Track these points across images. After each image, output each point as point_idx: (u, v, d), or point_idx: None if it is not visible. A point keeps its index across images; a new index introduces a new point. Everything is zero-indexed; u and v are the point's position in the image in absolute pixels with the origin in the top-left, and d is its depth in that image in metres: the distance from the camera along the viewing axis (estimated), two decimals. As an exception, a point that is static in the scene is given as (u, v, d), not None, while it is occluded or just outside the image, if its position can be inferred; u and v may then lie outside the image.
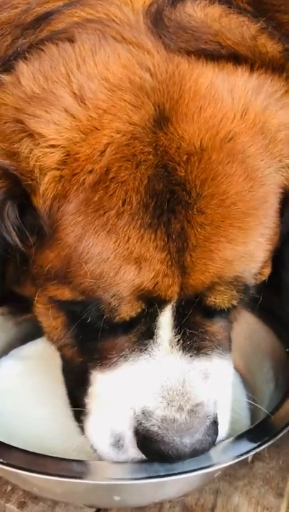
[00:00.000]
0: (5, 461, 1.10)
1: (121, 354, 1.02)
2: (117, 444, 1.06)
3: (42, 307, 1.08)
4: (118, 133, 0.90)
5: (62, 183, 0.92)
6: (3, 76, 0.96)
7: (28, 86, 0.94)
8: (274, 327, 1.32)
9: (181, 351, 1.01)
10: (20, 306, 1.17)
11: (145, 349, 1.01)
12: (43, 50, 0.95)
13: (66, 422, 1.26)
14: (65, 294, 0.98)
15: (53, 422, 1.29)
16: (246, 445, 1.10)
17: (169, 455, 1.01)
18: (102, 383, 1.05)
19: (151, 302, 0.96)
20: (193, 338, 1.01)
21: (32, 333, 1.42)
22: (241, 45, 0.94)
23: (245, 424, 1.20)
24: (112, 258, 0.92)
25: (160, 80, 0.91)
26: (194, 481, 1.13)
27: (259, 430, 1.13)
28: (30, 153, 0.92)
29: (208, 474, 1.10)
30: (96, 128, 0.91)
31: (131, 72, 0.91)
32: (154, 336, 1.01)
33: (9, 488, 1.20)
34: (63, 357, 1.14)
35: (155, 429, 1.00)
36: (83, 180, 0.91)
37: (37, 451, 1.12)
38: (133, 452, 1.05)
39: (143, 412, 1.01)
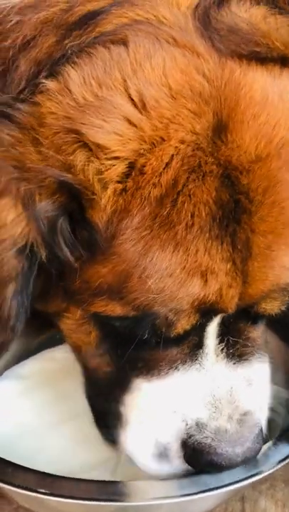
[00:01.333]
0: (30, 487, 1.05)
1: (172, 365, 1.00)
2: (161, 455, 1.04)
3: (73, 323, 1.03)
4: (183, 143, 0.87)
5: (125, 197, 0.87)
6: (48, 82, 0.89)
7: (80, 93, 0.87)
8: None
9: (225, 359, 1.01)
10: (38, 323, 1.11)
11: (195, 359, 1.00)
12: (92, 53, 0.89)
13: (76, 440, 1.23)
14: (116, 309, 0.94)
15: (62, 441, 1.26)
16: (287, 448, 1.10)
17: (221, 465, 1.00)
18: (148, 392, 1.02)
19: (208, 314, 0.94)
20: (236, 346, 1.01)
21: (22, 352, 1.39)
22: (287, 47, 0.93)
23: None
24: (179, 272, 0.88)
25: (216, 86, 0.88)
26: (235, 491, 1.12)
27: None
28: (89, 165, 0.87)
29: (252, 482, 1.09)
30: (162, 138, 0.86)
31: (190, 78, 0.87)
32: (203, 346, 0.99)
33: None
34: (90, 368, 1.09)
35: (208, 441, 0.99)
36: (149, 193, 0.87)
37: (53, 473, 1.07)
38: (177, 463, 1.03)
39: (196, 424, 1.00)
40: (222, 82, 0.89)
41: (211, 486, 1.04)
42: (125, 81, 0.87)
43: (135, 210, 0.88)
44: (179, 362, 1.00)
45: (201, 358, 1.00)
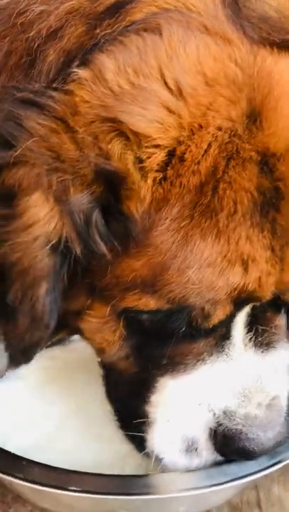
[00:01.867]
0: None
1: (199, 358, 0.99)
2: (189, 449, 1.03)
3: (97, 321, 1.01)
4: (220, 130, 0.86)
5: (165, 186, 0.86)
6: (80, 71, 0.87)
7: (115, 81, 0.86)
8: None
9: (253, 348, 1.01)
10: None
11: (222, 350, 0.99)
12: (125, 42, 0.88)
13: (82, 437, 1.21)
14: (149, 303, 0.93)
15: (68, 438, 1.23)
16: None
17: (253, 451, 1.00)
18: (173, 389, 1.02)
19: (243, 303, 0.94)
20: (264, 335, 1.01)
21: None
22: None
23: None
24: (219, 261, 0.88)
25: (249, 74, 0.88)
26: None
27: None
28: (128, 154, 0.85)
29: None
30: (200, 125, 0.86)
31: (223, 66, 0.87)
32: (230, 336, 0.99)
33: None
34: (114, 370, 1.07)
35: (239, 427, 0.99)
36: (188, 181, 0.86)
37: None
38: (206, 455, 1.03)
39: (224, 413, 1.00)
40: (254, 69, 0.89)
41: (239, 475, 1.04)
42: (161, 69, 0.86)
43: (175, 199, 0.87)
44: (206, 354, 0.99)
45: (228, 349, 0.99)
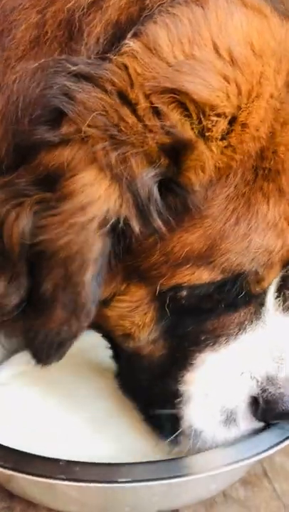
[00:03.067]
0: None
1: (241, 327, 1.01)
2: (228, 420, 1.04)
3: (127, 306, 0.99)
4: (272, 97, 0.89)
5: (228, 154, 0.87)
6: (131, 43, 0.86)
7: (170, 53, 0.85)
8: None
9: (282, 312, 1.04)
10: None
11: (259, 316, 1.02)
12: (176, 13, 0.88)
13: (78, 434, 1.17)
14: (203, 276, 0.93)
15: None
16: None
17: None
18: (213, 363, 1.02)
19: (287, 265, 0.97)
20: None
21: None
22: None
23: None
24: (281, 223, 0.90)
25: (283, 47, 0.92)
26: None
27: None
28: (192, 124, 0.85)
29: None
30: (257, 93, 0.88)
31: (265, 38, 0.90)
32: (265, 302, 1.02)
33: None
34: (136, 357, 1.06)
35: (282, 390, 1.02)
36: (250, 147, 0.88)
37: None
38: (245, 425, 1.05)
39: (267, 378, 1.02)
40: (287, 42, 0.93)
41: (268, 446, 1.06)
42: (214, 39, 0.87)
43: (237, 166, 0.88)
44: (247, 322, 1.01)
45: (264, 315, 1.02)
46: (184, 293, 0.96)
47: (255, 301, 1.00)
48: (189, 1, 0.89)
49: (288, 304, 1.05)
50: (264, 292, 1.00)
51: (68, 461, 1.01)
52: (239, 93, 0.87)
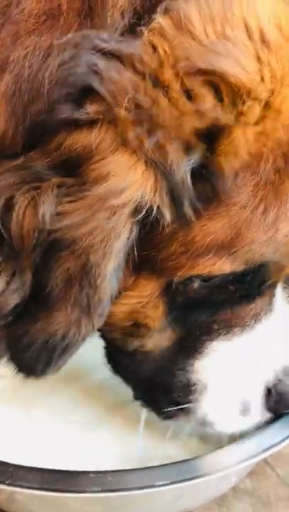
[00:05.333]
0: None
1: (257, 318, 0.98)
2: (244, 410, 1.02)
3: (137, 302, 0.94)
4: None
5: (262, 139, 0.83)
6: (160, 20, 0.80)
7: (202, 32, 0.80)
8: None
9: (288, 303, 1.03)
10: None
11: (272, 308, 1.00)
12: None
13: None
14: (224, 267, 0.89)
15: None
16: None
17: None
18: (227, 351, 1.00)
19: None
20: None
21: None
22: None
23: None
24: None
25: None
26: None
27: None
28: (229, 108, 0.81)
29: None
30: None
31: (287, 22, 0.86)
32: (276, 292, 1.00)
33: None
34: (147, 348, 1.01)
35: None
36: (282, 134, 0.84)
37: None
38: (258, 415, 1.03)
39: (283, 369, 1.00)
40: None
41: (272, 443, 1.04)
42: (245, 19, 0.83)
43: (269, 152, 0.84)
44: (262, 313, 0.99)
45: (275, 305, 1.00)
46: (196, 284, 0.92)
47: (270, 292, 0.98)
48: None
49: None
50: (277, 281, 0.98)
51: (98, 472, 0.97)
52: (273, 76, 0.83)
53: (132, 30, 0.83)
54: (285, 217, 0.87)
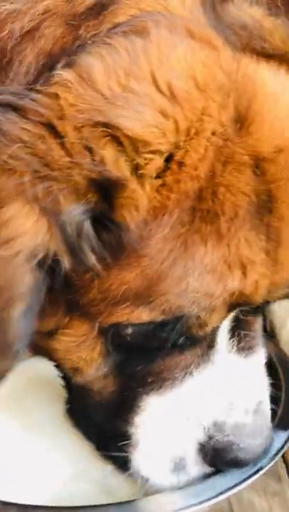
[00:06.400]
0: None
1: (187, 371, 0.97)
2: (177, 466, 1.00)
3: (74, 340, 0.96)
4: (214, 135, 0.85)
5: (163, 193, 0.83)
6: (64, 73, 0.82)
7: (105, 84, 0.82)
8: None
9: (236, 354, 1.00)
10: None
11: (208, 359, 0.98)
12: (112, 44, 0.84)
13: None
14: (142, 316, 0.89)
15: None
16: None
17: (246, 460, 1.00)
18: (160, 407, 0.98)
19: (234, 308, 0.93)
20: (245, 339, 1.00)
21: None
22: (286, 45, 0.95)
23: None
24: (220, 267, 0.86)
25: (234, 80, 0.87)
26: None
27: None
28: (124, 160, 0.81)
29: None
30: (196, 130, 0.84)
31: (211, 71, 0.85)
32: (215, 344, 0.98)
33: None
34: (91, 391, 1.02)
35: (230, 438, 0.98)
36: (187, 187, 0.83)
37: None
38: (195, 471, 1.01)
39: (214, 424, 0.98)
40: (238, 75, 0.88)
41: (227, 487, 1.02)
42: (153, 72, 0.83)
43: (173, 206, 0.84)
44: (193, 366, 0.97)
45: (213, 357, 0.98)
46: (129, 330, 0.93)
47: (201, 344, 0.96)
48: (128, 32, 0.85)
49: (243, 345, 1.00)
50: (212, 334, 0.96)
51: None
52: (177, 130, 0.83)
53: (38, 83, 0.85)
54: (194, 271, 0.86)
